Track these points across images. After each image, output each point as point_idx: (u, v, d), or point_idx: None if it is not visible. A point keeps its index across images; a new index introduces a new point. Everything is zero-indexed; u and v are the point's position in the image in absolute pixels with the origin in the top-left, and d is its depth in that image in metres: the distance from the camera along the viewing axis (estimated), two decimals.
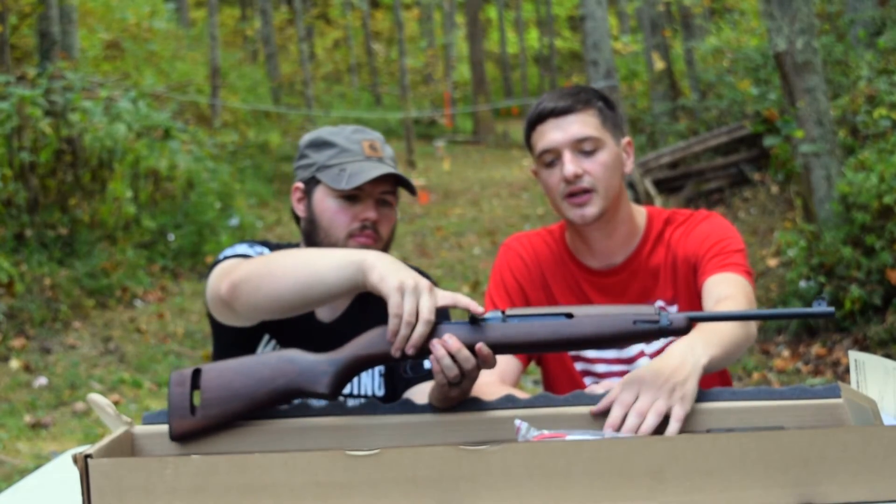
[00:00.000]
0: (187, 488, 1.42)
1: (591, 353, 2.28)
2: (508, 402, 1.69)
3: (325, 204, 2.17)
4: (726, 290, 2.05)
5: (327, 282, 1.75)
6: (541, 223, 12.44)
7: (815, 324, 6.11)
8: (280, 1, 27.35)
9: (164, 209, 10.09)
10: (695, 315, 1.65)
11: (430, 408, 1.70)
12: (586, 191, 2.16)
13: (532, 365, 2.37)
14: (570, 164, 2.14)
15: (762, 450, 1.39)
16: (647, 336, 1.63)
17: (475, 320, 1.64)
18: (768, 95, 10.10)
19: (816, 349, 5.94)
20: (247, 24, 26.70)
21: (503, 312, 1.65)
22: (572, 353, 2.29)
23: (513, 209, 13.75)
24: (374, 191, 2.16)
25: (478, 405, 1.69)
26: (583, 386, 2.27)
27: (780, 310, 1.65)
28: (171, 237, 9.81)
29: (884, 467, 1.39)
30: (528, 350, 1.66)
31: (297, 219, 2.28)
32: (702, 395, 1.69)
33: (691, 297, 2.23)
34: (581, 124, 2.15)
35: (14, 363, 6.79)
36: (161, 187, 10.14)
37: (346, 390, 2.21)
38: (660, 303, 2.25)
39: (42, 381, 6.53)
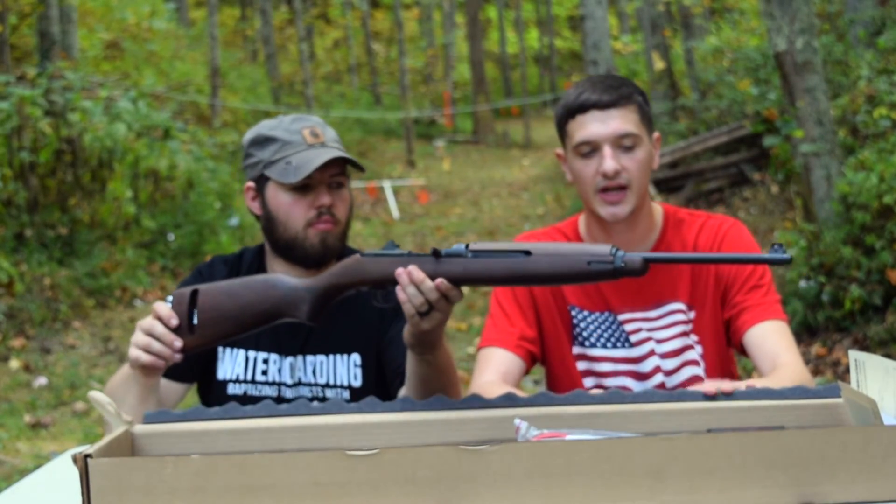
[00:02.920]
0: (187, 488, 1.42)
1: (596, 352, 2.27)
2: (508, 400, 1.69)
3: (279, 199, 2.20)
4: (784, 353, 2.13)
5: (131, 403, 1.95)
6: (540, 223, 12.43)
7: (815, 323, 6.10)
8: (280, 1, 27.35)
9: (164, 209, 10.09)
10: (650, 256, 1.66)
11: (428, 405, 1.70)
12: (622, 187, 2.15)
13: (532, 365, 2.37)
14: (611, 160, 2.12)
15: (762, 449, 1.39)
16: (602, 276, 1.65)
17: (438, 254, 1.70)
18: (768, 95, 10.10)
19: (816, 349, 5.93)
20: (247, 24, 26.70)
21: (466, 246, 1.70)
22: (576, 351, 2.28)
23: (513, 209, 13.75)
24: (323, 176, 2.18)
25: (478, 403, 1.69)
26: (582, 387, 2.27)
27: (737, 254, 1.74)
28: (171, 237, 9.81)
29: (884, 467, 1.39)
30: (486, 284, 1.71)
31: (256, 216, 2.31)
32: (701, 395, 1.69)
33: (715, 309, 2.24)
34: (622, 120, 2.14)
35: (14, 363, 6.79)
36: (161, 187, 10.14)
37: (323, 381, 2.25)
38: (679, 305, 2.25)
39: (42, 380, 6.53)
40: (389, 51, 28.37)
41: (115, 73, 13.29)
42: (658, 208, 2.32)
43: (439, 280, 1.68)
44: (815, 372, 5.73)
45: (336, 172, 2.20)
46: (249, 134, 2.27)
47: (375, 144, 19.43)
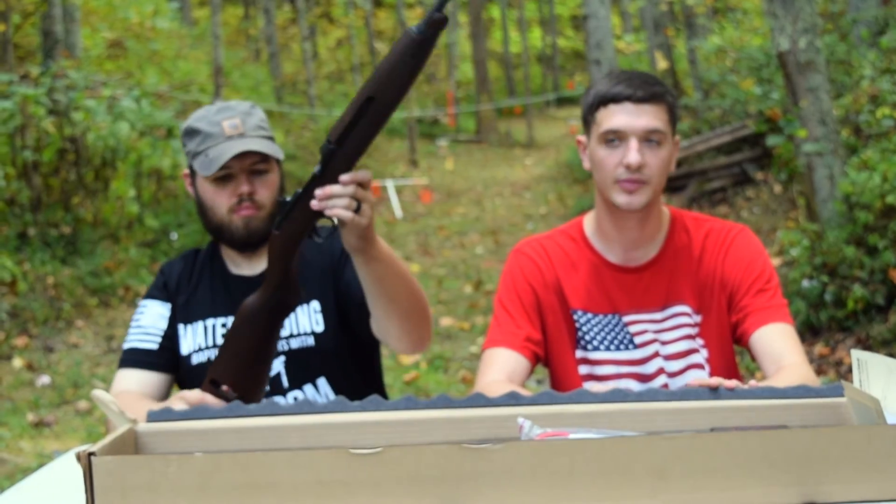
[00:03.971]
0: (191, 486, 1.42)
1: (598, 355, 2.27)
2: (512, 399, 1.69)
3: (204, 188, 2.32)
4: (789, 356, 2.13)
5: None
6: (543, 222, 12.43)
7: (818, 323, 6.10)
8: (283, 0, 27.35)
9: (167, 208, 10.09)
10: (439, 4, 1.68)
11: (432, 404, 1.70)
12: (641, 181, 2.17)
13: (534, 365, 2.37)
14: (636, 153, 2.15)
15: (765, 448, 1.39)
16: (426, 54, 1.69)
17: (318, 177, 1.79)
18: (771, 95, 10.09)
19: (819, 349, 5.93)
20: (250, 24, 26.70)
21: (329, 141, 1.76)
22: (578, 356, 2.28)
23: (515, 208, 13.74)
24: (243, 164, 2.28)
25: (481, 402, 1.70)
26: None
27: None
28: (174, 236, 9.81)
29: (887, 466, 1.39)
30: (367, 145, 1.78)
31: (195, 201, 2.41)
32: (704, 394, 1.69)
33: (721, 314, 2.25)
34: (653, 116, 2.17)
35: (17, 362, 6.80)
36: (164, 186, 10.15)
37: (286, 332, 2.33)
38: (685, 308, 2.26)
39: (45, 379, 6.53)
40: None
41: (118, 73, 13.29)
42: (665, 210, 2.33)
43: (342, 176, 1.77)
44: (818, 371, 5.72)
45: (257, 160, 2.28)
46: (184, 123, 2.36)
47: (378, 144, 19.42)
